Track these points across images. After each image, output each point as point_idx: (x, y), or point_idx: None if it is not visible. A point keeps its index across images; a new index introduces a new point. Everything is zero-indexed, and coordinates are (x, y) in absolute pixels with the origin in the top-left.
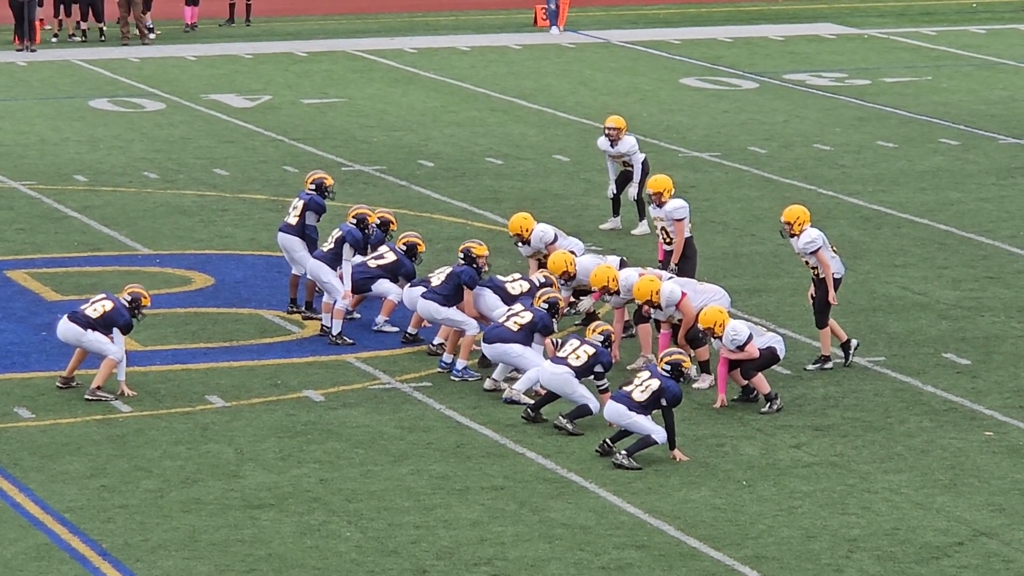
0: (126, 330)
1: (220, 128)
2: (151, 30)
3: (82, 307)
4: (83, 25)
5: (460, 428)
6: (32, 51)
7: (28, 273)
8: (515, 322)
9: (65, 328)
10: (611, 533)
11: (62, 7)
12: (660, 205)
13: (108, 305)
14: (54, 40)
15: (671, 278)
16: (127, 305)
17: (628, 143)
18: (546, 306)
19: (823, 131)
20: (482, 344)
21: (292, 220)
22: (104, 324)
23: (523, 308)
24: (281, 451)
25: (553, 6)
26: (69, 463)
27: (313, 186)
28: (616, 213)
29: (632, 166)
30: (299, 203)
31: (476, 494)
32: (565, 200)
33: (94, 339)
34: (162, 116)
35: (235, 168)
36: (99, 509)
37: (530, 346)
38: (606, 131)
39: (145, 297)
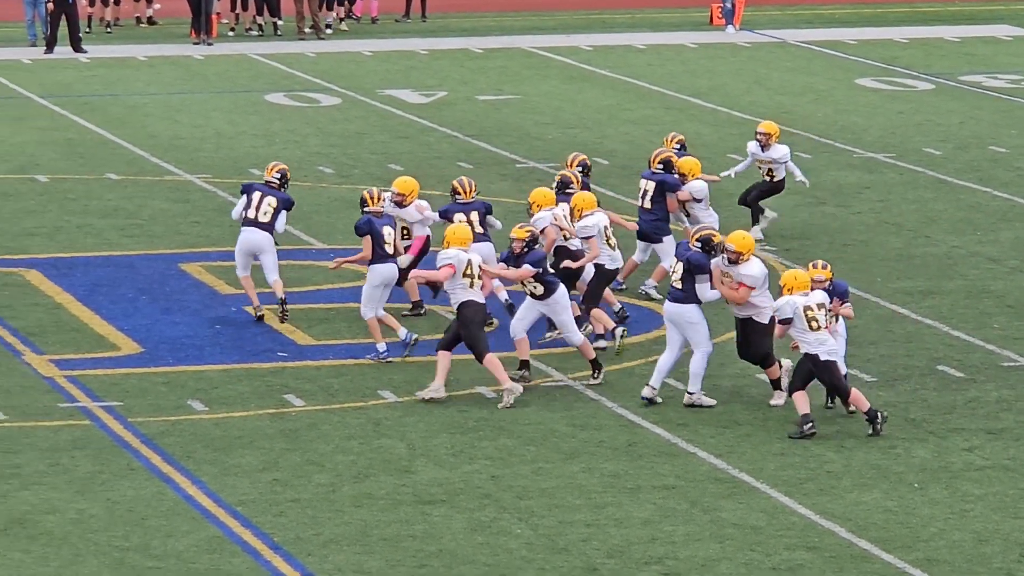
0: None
1: (395, 123)
2: (328, 26)
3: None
4: (259, 19)
5: (632, 426)
6: (209, 44)
7: (203, 266)
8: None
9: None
10: (782, 534)
11: (239, 1)
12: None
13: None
14: (231, 34)
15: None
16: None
17: (780, 151)
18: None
19: (999, 133)
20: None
21: (264, 217)
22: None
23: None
24: (453, 447)
25: (729, 5)
26: (242, 456)
27: (278, 176)
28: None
29: (774, 176)
30: (272, 200)
31: (647, 493)
32: (737, 199)
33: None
34: (338, 111)
35: (410, 164)
36: (271, 503)
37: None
38: (757, 136)
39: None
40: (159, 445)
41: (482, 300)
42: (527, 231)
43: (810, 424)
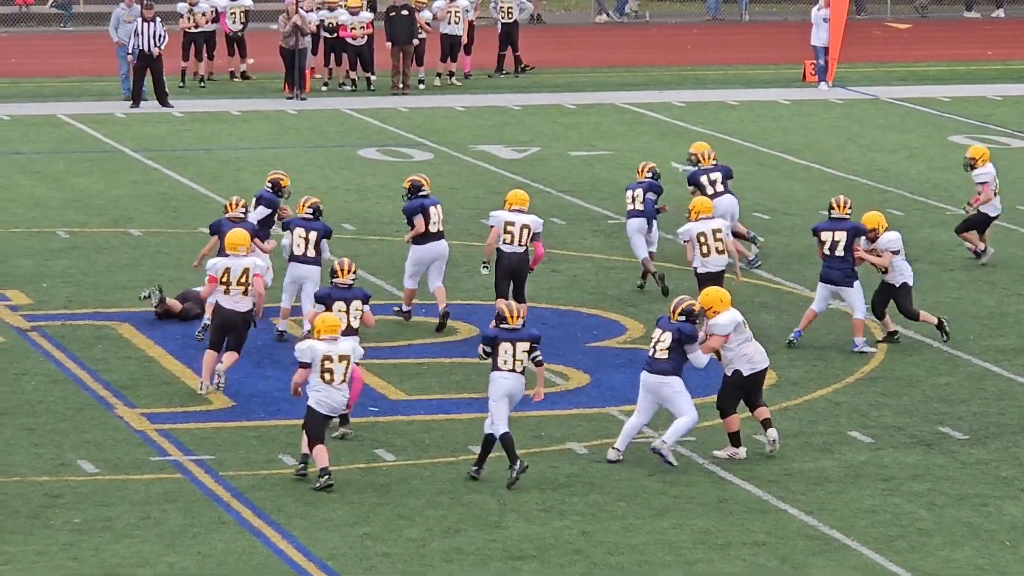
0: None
1: (488, 179)
2: (421, 82)
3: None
4: (352, 74)
5: (722, 483)
6: (302, 99)
7: (295, 320)
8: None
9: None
10: None
11: (332, 56)
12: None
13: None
14: (324, 89)
15: None
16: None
17: (983, 172)
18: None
19: None
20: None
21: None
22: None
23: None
24: (543, 503)
25: (822, 62)
26: (332, 510)
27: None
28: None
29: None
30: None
31: (738, 549)
32: None
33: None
34: (430, 166)
35: None
36: (361, 557)
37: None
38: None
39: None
40: (250, 499)
41: None
42: None
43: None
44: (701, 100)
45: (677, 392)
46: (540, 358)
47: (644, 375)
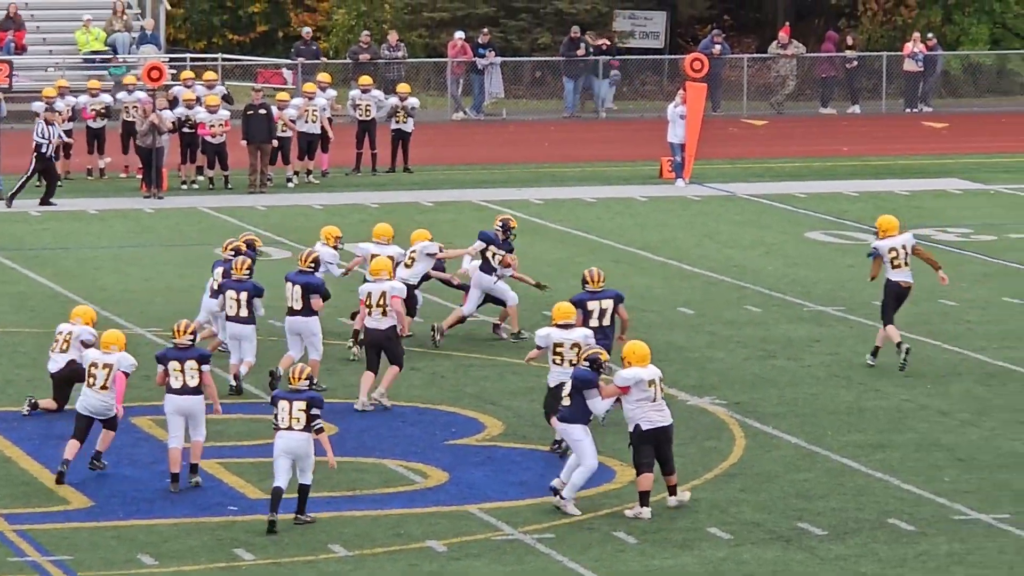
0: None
1: (349, 277)
2: (289, 180)
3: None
4: (209, 173)
5: None
6: (159, 198)
7: (152, 420)
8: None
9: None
10: None
11: (189, 154)
12: None
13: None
14: (183, 187)
15: None
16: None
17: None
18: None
19: (948, 287)
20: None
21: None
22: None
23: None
24: None
25: (679, 158)
26: None
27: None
28: None
29: None
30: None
31: None
32: (689, 353)
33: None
34: (289, 265)
35: None
36: None
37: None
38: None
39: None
40: None
41: None
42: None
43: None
44: (559, 197)
45: (577, 440)
46: (319, 425)
47: (554, 420)
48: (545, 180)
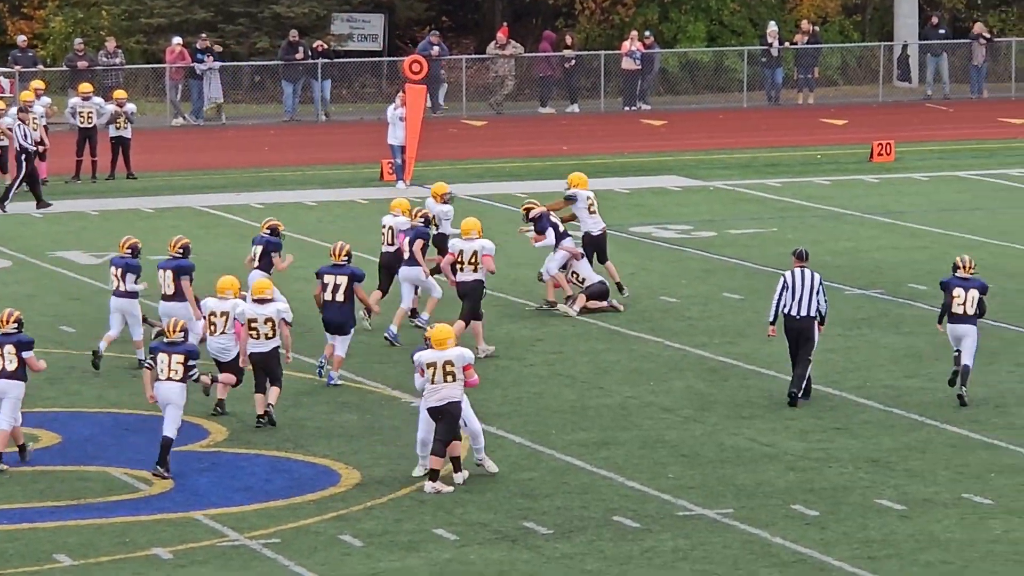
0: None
1: (66, 285)
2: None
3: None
4: None
5: None
6: None
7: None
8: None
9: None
10: None
11: None
12: None
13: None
14: None
15: None
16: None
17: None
18: None
19: (669, 283)
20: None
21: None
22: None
23: None
24: None
25: (399, 160)
26: None
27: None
28: None
29: None
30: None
31: None
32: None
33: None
34: (8, 274)
35: (81, 325)
36: None
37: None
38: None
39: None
40: None
41: None
42: None
43: None
44: (280, 201)
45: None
46: (195, 374)
47: None
48: (266, 184)
